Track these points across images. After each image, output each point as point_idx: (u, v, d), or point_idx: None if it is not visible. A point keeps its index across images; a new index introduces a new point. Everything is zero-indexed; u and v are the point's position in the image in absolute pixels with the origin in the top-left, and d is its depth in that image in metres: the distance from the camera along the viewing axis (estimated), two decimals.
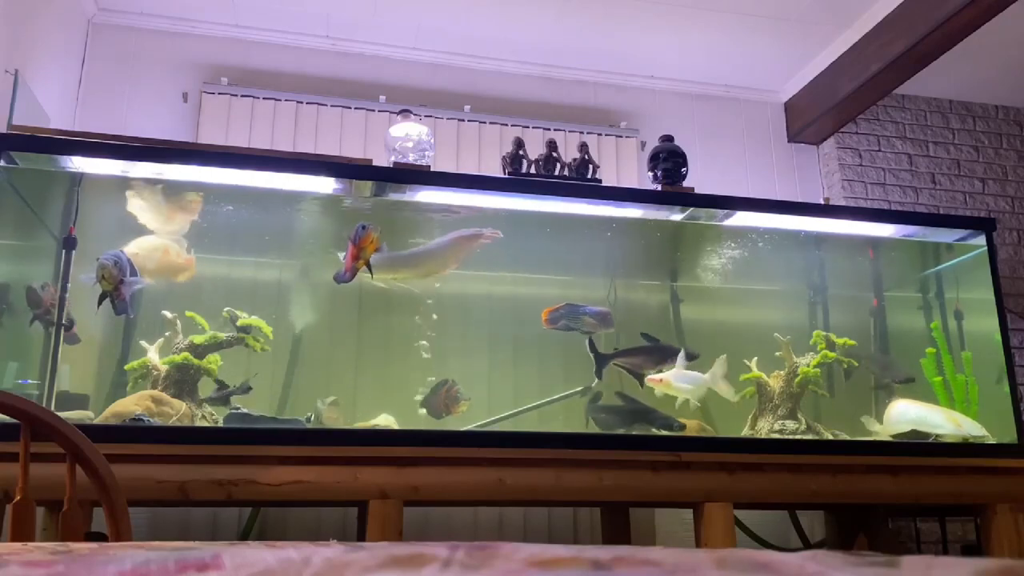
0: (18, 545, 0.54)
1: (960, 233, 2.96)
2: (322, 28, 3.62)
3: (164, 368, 2.35)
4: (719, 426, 2.72)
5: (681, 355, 2.62)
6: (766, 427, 2.68)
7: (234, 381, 2.42)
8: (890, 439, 2.72)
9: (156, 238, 2.46)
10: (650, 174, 2.83)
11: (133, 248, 2.41)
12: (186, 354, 2.36)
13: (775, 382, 2.73)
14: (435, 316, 2.62)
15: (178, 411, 2.26)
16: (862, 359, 2.84)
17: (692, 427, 2.61)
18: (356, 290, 2.57)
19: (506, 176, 2.71)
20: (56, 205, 2.55)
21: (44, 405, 1.82)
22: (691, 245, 3.02)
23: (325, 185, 2.53)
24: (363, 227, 2.32)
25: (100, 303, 2.26)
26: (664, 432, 2.53)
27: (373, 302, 2.65)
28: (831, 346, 2.81)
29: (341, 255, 2.42)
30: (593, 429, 2.61)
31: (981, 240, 2.86)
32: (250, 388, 2.38)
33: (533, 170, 2.72)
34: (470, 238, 2.53)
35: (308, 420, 2.39)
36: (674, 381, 2.60)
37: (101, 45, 3.47)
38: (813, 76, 3.90)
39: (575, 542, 3.02)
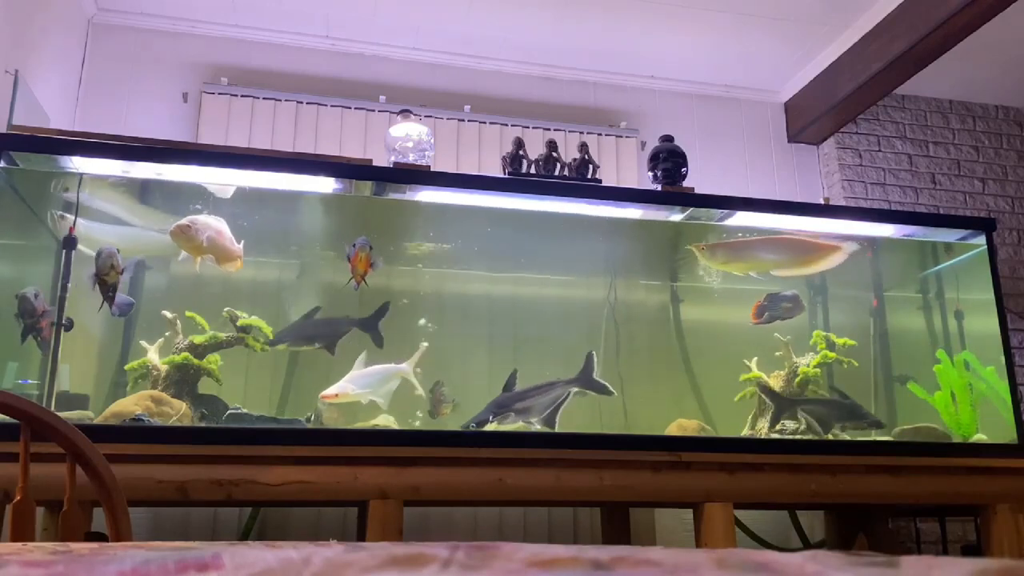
0: (18, 545, 0.54)
1: (960, 233, 2.96)
2: (322, 28, 3.62)
3: (164, 368, 2.35)
4: (719, 427, 2.72)
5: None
6: (766, 427, 2.68)
7: (233, 382, 2.42)
8: (890, 439, 2.72)
9: (213, 217, 2.38)
10: (650, 174, 2.83)
11: (185, 221, 2.32)
12: (186, 354, 2.36)
13: (775, 382, 2.73)
14: (436, 323, 2.62)
15: (178, 411, 2.26)
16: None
17: (692, 427, 2.61)
18: (355, 290, 2.57)
19: (506, 176, 2.71)
20: (56, 205, 2.54)
21: (44, 405, 1.82)
22: (691, 245, 3.01)
23: (325, 185, 2.54)
24: (353, 246, 2.41)
25: (112, 298, 2.24)
26: (871, 430, 2.59)
27: (372, 303, 2.65)
28: (831, 346, 2.81)
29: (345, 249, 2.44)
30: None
31: (981, 240, 2.86)
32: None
33: (533, 170, 2.72)
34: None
35: (308, 420, 2.39)
36: (351, 388, 2.39)
37: (101, 45, 3.47)
38: (813, 76, 3.90)
39: (575, 542, 3.02)
